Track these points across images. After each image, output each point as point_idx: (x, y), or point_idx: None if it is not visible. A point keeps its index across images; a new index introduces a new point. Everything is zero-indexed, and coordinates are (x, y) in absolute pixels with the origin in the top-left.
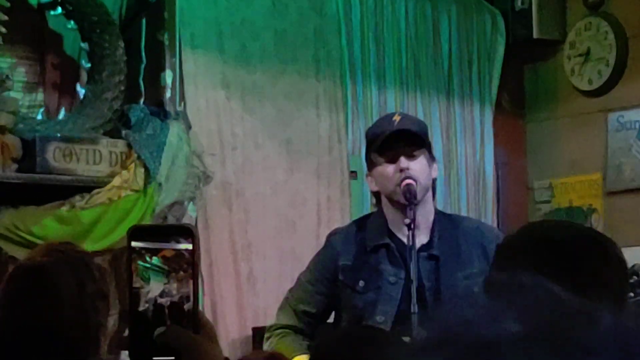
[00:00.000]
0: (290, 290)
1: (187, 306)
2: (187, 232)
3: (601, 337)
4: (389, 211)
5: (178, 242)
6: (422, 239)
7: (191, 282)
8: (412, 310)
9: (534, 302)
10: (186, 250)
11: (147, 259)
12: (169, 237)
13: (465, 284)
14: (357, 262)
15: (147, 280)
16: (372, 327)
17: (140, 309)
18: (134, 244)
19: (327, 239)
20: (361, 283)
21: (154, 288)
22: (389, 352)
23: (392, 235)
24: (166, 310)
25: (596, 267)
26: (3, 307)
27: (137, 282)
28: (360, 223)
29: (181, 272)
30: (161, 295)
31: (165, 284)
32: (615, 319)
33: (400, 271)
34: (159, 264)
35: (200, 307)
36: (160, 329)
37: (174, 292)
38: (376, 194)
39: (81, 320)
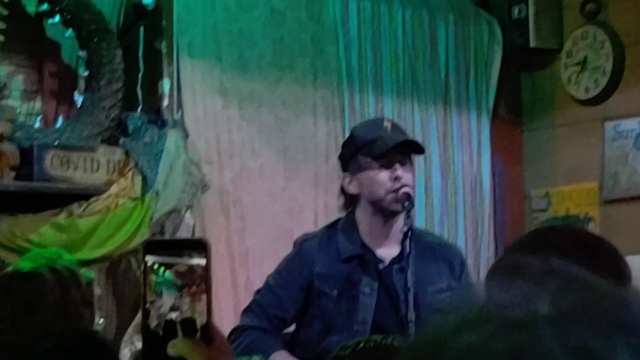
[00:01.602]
0: (259, 293)
1: (200, 320)
2: (201, 247)
3: (637, 315)
4: (364, 219)
5: (191, 256)
6: (393, 251)
7: (204, 296)
8: (408, 319)
9: (565, 285)
10: (200, 264)
11: (161, 273)
12: (183, 252)
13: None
14: (331, 270)
15: (160, 295)
16: None
17: (153, 323)
18: (147, 257)
19: (299, 245)
20: (335, 292)
21: (167, 302)
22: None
23: (365, 247)
24: (179, 324)
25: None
26: None
27: (150, 297)
28: (331, 230)
29: (194, 287)
30: (173, 309)
31: (177, 298)
32: None
33: (374, 282)
34: (172, 279)
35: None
36: (173, 342)
37: (186, 306)
38: (351, 198)
39: (64, 326)
